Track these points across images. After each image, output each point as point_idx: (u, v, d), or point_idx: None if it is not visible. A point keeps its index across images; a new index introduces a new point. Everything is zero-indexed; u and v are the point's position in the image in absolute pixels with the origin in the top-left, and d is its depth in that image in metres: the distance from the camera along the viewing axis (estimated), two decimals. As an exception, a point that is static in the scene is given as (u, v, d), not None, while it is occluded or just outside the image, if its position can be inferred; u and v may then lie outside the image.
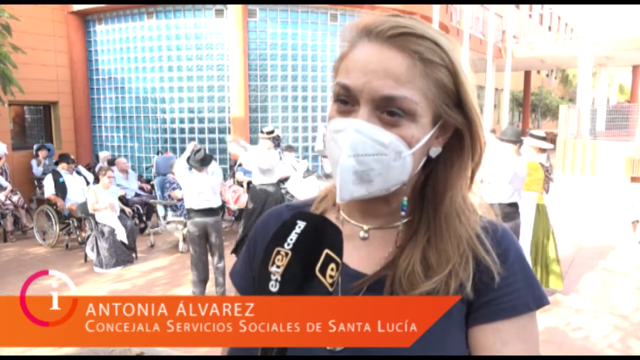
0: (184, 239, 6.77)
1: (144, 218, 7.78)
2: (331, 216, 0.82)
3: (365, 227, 0.79)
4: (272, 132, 5.61)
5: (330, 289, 0.57)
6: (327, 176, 6.72)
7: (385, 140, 0.67)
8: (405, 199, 0.77)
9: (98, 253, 5.96)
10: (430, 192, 0.76)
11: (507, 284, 0.72)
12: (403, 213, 0.77)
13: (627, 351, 3.82)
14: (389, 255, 0.77)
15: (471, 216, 0.75)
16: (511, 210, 4.37)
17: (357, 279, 0.75)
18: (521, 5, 24.26)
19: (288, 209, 0.90)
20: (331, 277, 0.58)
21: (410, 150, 0.69)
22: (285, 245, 0.58)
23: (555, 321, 4.30)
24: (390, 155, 0.68)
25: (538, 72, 28.56)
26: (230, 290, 0.94)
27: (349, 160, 0.67)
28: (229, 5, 9.47)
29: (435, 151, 0.74)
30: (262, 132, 5.69)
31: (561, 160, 15.50)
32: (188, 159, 5.03)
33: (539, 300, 0.74)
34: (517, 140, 4.51)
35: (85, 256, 6.22)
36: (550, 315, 4.42)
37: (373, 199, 0.74)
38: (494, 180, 4.28)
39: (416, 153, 0.70)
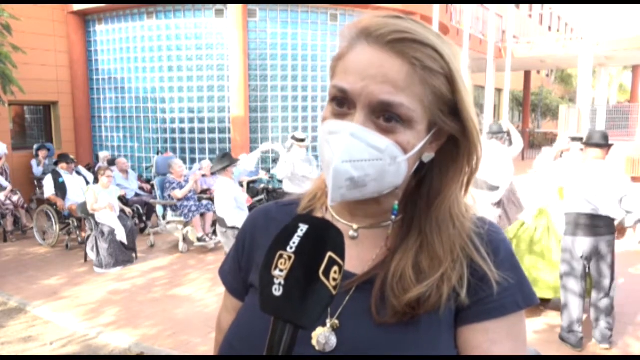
0: (184, 239, 6.78)
1: (144, 218, 7.78)
2: (319, 214, 0.81)
3: (355, 226, 0.78)
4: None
5: (334, 292, 0.57)
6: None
7: (381, 146, 0.67)
8: (397, 203, 0.76)
9: (98, 253, 5.95)
10: (423, 196, 0.75)
11: (497, 283, 0.72)
12: (394, 217, 0.76)
13: (627, 351, 3.82)
14: (378, 255, 0.76)
15: (465, 222, 0.75)
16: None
17: (346, 279, 0.73)
18: (521, 5, 24.26)
19: (277, 205, 0.90)
20: (334, 280, 0.57)
21: (406, 156, 0.68)
22: (288, 248, 0.57)
23: (555, 321, 4.30)
24: (385, 161, 0.67)
25: (538, 72, 28.55)
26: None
27: (344, 166, 0.66)
28: (229, 5, 9.47)
29: (428, 157, 0.74)
30: (295, 137, 6.05)
31: (561, 160, 15.45)
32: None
33: (528, 298, 0.74)
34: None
35: (85, 256, 6.22)
36: (550, 316, 4.43)
37: (364, 200, 0.74)
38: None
39: (410, 158, 0.70)
